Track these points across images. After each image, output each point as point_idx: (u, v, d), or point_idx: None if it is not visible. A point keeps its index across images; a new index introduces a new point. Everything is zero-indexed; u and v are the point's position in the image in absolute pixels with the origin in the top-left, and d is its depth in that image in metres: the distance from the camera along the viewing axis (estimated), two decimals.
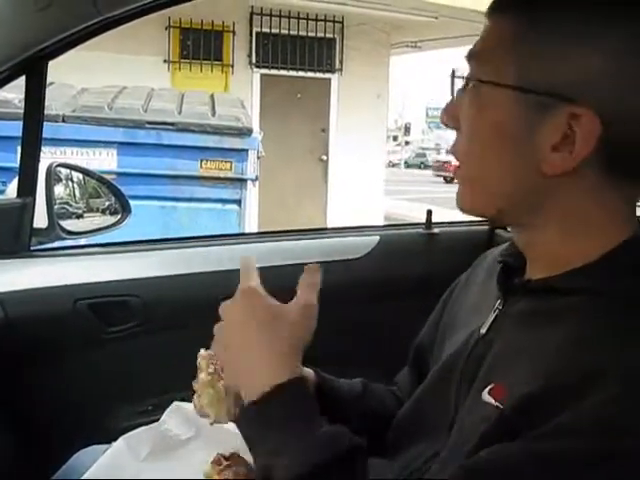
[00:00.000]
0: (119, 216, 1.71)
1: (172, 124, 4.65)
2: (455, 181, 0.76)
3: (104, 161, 4.50)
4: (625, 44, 0.64)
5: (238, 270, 0.75)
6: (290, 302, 0.74)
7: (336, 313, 1.53)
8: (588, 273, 0.67)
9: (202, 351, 0.79)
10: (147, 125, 4.60)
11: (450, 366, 0.78)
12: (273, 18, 8.07)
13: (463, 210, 0.74)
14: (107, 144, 4.55)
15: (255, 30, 8.18)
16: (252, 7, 8.04)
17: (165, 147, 4.63)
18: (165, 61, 7.92)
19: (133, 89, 5.38)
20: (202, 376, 0.77)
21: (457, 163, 0.74)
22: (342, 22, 8.34)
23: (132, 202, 1.74)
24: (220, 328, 0.74)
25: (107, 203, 1.82)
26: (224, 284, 1.48)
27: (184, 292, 1.41)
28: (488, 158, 0.69)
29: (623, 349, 0.59)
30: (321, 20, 8.24)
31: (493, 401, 0.65)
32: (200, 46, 7.97)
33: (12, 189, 1.44)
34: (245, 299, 0.74)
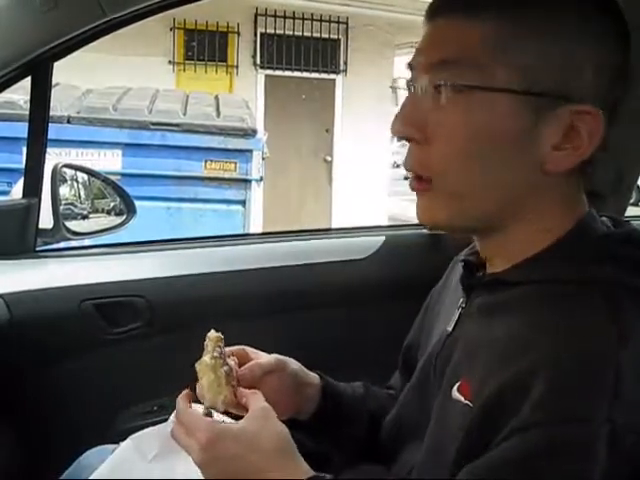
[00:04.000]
0: (124, 217, 1.71)
1: (177, 125, 4.66)
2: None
3: (109, 162, 4.52)
4: (608, 37, 0.64)
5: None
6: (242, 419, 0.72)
7: (342, 313, 1.53)
8: (533, 264, 0.67)
9: (212, 332, 0.78)
10: (152, 126, 4.61)
11: (427, 369, 0.79)
12: (277, 19, 8.07)
13: (436, 226, 0.71)
14: (112, 145, 4.56)
15: (260, 31, 8.17)
16: (257, 8, 8.04)
17: (170, 148, 4.64)
18: (170, 62, 7.92)
19: (138, 90, 5.40)
20: (206, 358, 0.75)
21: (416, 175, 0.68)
22: (347, 23, 8.33)
23: (137, 203, 1.75)
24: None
25: (112, 204, 1.82)
26: (229, 284, 1.50)
27: (189, 293, 1.41)
28: (476, 168, 0.65)
29: (558, 339, 0.59)
30: (325, 21, 8.24)
31: (462, 398, 0.66)
32: (205, 47, 7.98)
33: (18, 190, 1.45)
34: (212, 443, 0.70)
